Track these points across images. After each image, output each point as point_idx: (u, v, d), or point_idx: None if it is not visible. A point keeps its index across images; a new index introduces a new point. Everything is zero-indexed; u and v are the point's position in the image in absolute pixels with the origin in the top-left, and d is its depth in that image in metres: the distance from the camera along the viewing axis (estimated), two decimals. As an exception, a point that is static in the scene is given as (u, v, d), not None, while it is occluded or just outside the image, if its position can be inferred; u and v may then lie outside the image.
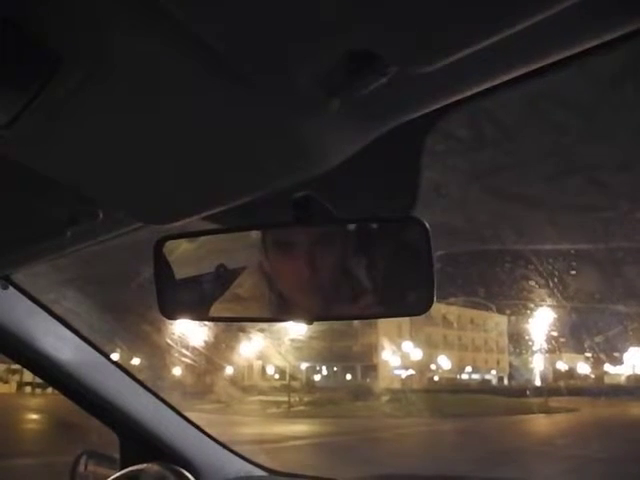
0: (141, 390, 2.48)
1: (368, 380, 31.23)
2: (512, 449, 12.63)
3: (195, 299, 1.36)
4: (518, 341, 23.42)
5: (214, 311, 1.33)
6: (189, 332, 10.73)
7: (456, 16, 0.67)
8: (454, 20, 0.68)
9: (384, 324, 25.88)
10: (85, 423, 3.09)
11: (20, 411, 17.78)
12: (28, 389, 22.47)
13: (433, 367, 31.73)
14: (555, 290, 11.23)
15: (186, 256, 1.39)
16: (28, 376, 20.02)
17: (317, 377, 31.79)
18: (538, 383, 24.06)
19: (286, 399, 22.50)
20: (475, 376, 33.84)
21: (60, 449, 6.67)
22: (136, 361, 13.80)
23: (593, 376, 26.40)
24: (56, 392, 2.47)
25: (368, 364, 31.53)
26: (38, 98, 0.84)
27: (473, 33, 0.69)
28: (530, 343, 20.06)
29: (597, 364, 24.37)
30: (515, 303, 15.75)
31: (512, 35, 0.67)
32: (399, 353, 28.80)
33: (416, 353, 28.75)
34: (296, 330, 14.12)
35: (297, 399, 23.59)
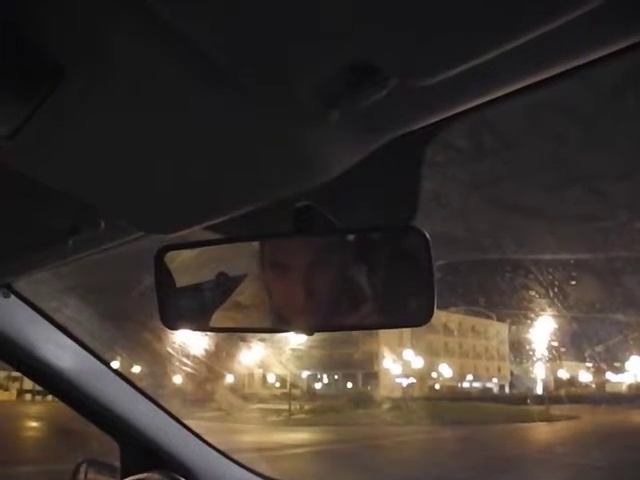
0: (141, 398, 2.47)
1: (369, 388, 31.14)
2: (513, 457, 12.59)
3: (197, 309, 1.37)
4: (519, 349, 23.40)
5: (215, 321, 1.33)
6: (190, 340, 10.72)
7: (456, 30, 0.68)
8: (454, 34, 0.68)
9: (385, 332, 25.84)
10: (85, 431, 3.08)
11: (20, 419, 17.73)
12: (28, 397, 22.41)
13: (434, 375, 31.65)
14: (555, 299, 11.23)
15: (187, 265, 1.39)
16: (28, 384, 19.99)
17: (318, 385, 31.68)
18: (539, 391, 24.02)
19: (287, 407, 22.43)
20: (476, 384, 33.74)
21: (60, 457, 6.65)
22: (136, 369, 13.77)
23: (594, 384, 26.35)
24: (56, 400, 2.47)
25: (369, 372, 31.46)
26: (40, 109, 0.84)
27: (473, 47, 0.69)
28: (531, 352, 20.05)
29: (598, 372, 24.33)
30: (515, 312, 15.74)
31: (513, 49, 0.68)
32: (400, 361, 28.72)
33: (417, 361, 28.68)
34: (297, 338, 14.11)
35: (298, 407, 23.52)
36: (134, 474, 2.29)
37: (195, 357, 11.71)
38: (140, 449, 2.44)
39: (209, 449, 2.60)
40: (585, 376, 26.42)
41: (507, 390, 31.53)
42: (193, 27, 0.72)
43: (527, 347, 19.85)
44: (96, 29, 0.75)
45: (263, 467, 3.02)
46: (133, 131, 0.95)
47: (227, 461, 2.65)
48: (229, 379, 22.91)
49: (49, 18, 0.74)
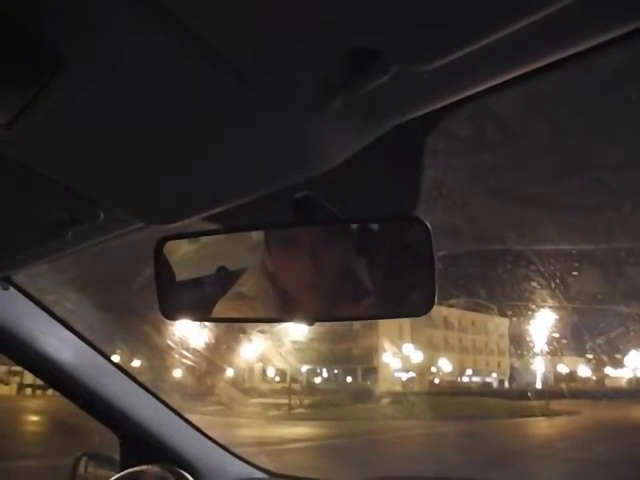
0: (141, 391, 2.48)
1: (369, 382, 31.15)
2: (513, 451, 12.61)
3: (196, 299, 1.36)
4: (519, 343, 23.38)
5: (215, 311, 1.32)
6: (190, 334, 10.74)
7: (457, 14, 0.67)
8: (455, 18, 0.67)
9: (385, 326, 25.89)
10: (85, 424, 3.08)
11: (21, 413, 17.75)
12: (29, 391, 22.45)
13: (434, 370, 31.68)
14: (557, 291, 11.22)
15: (187, 256, 1.39)
16: (28, 378, 20.02)
17: (318, 379, 31.66)
18: (539, 386, 24.00)
19: (287, 401, 22.44)
20: (476, 379, 33.79)
21: (60, 450, 6.66)
22: (137, 363, 13.80)
23: (594, 379, 26.38)
24: (56, 394, 2.47)
25: (369, 366, 31.47)
26: (39, 98, 0.83)
27: (475, 31, 0.68)
28: (531, 345, 20.05)
29: (598, 367, 24.36)
30: (516, 304, 15.71)
31: (514, 33, 0.67)
32: (400, 355, 28.75)
33: (417, 355, 28.72)
34: (297, 332, 14.13)
35: (297, 401, 23.53)
36: (133, 467, 2.29)
37: (195, 350, 11.74)
38: (140, 442, 2.45)
39: (209, 442, 2.61)
40: (585, 370, 26.46)
41: (507, 385, 31.55)
42: (193, 16, 0.71)
43: (527, 341, 19.86)
44: (95, 19, 0.75)
45: (263, 461, 3.02)
46: (132, 121, 0.94)
47: (227, 455, 2.65)
48: (229, 373, 22.94)
49: (48, 7, 0.74)
